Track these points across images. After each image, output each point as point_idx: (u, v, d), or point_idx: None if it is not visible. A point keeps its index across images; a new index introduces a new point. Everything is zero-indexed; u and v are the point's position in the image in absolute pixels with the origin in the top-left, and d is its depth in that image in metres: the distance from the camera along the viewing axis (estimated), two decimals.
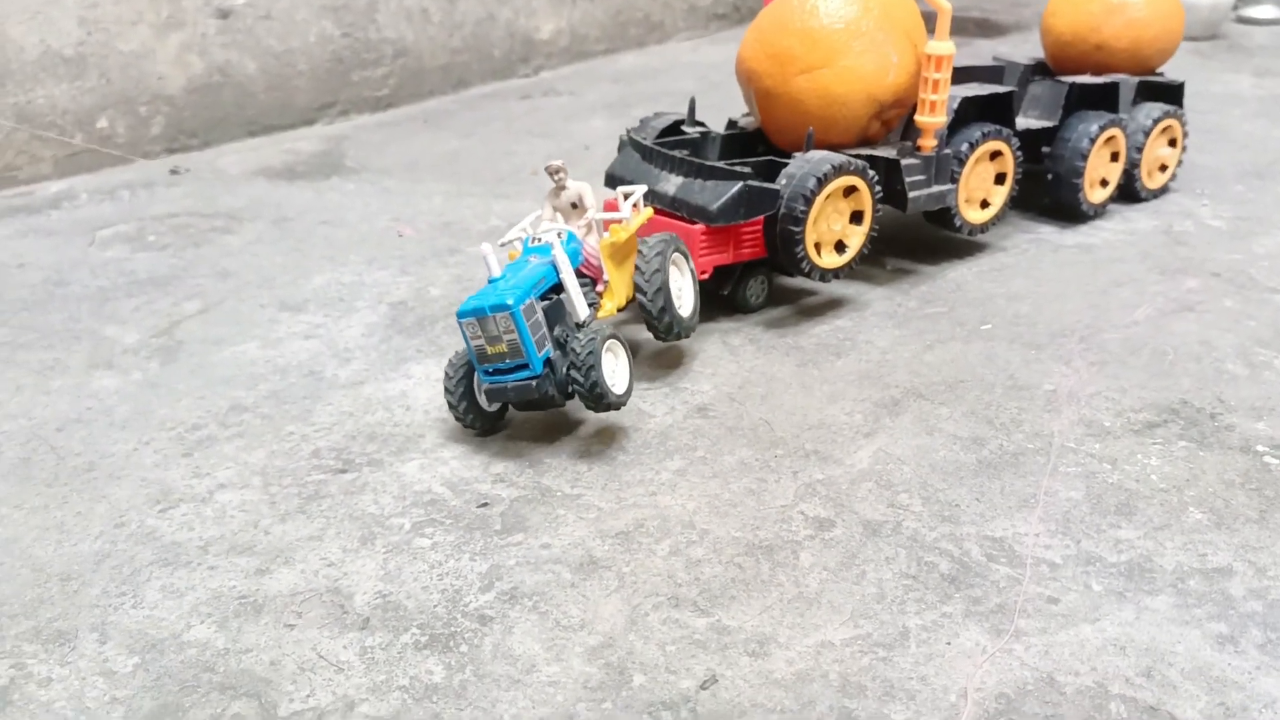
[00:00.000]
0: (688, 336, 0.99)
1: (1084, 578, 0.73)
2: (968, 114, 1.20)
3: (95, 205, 1.51)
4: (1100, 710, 0.63)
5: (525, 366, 0.86)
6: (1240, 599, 0.71)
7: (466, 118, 1.97)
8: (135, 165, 1.68)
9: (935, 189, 1.17)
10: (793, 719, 0.62)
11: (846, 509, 0.81)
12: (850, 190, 1.09)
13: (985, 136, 1.19)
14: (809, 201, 1.04)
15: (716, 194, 1.04)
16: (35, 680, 0.66)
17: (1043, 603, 0.71)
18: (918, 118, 1.14)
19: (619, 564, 0.76)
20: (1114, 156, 1.36)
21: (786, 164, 1.08)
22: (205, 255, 1.32)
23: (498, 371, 0.87)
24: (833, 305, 1.16)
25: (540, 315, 0.86)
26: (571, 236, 0.95)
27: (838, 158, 1.07)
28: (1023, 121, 1.33)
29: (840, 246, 1.11)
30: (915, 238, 1.33)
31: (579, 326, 0.89)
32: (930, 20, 1.15)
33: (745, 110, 1.28)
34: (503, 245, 0.96)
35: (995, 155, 1.22)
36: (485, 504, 0.83)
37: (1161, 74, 1.47)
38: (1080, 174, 1.32)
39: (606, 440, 0.91)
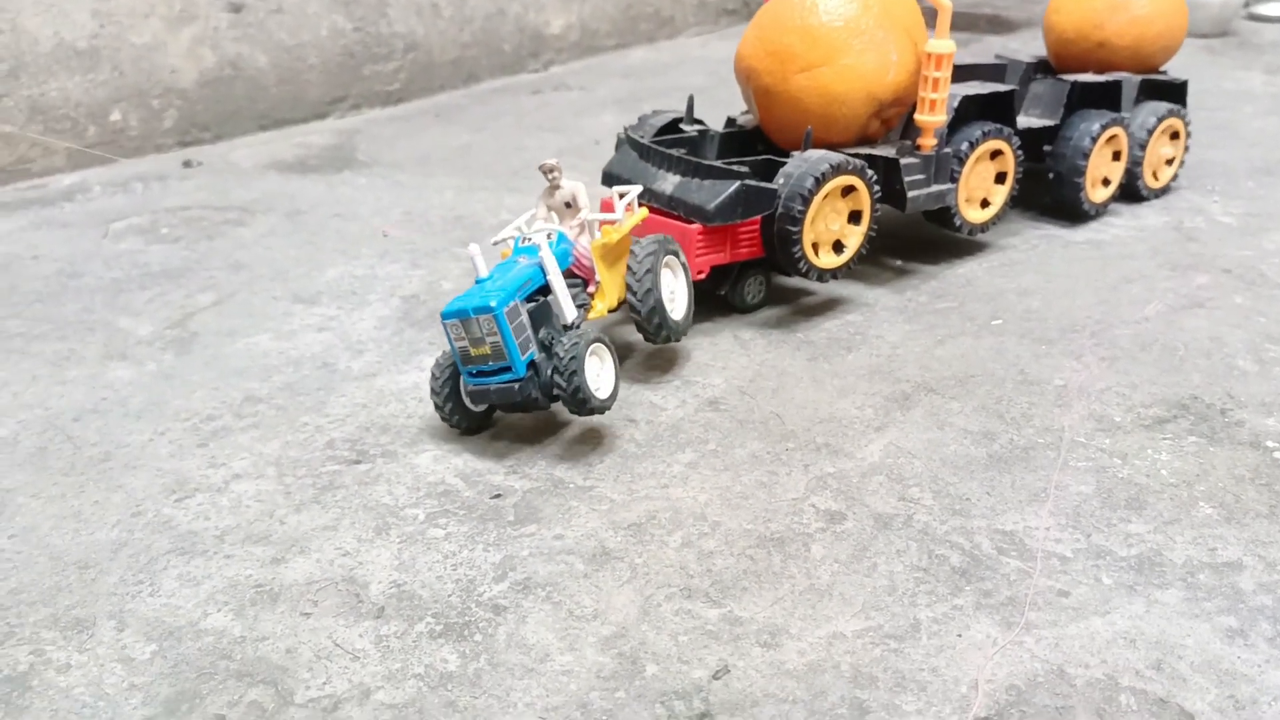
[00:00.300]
0: (679, 339, 0.99)
1: (1094, 571, 0.74)
2: (968, 113, 1.19)
3: (108, 198, 1.52)
4: (1110, 702, 0.63)
5: (508, 369, 0.85)
6: (1250, 593, 0.71)
7: (477, 112, 1.98)
8: (148, 158, 1.69)
9: (935, 188, 1.17)
10: (805, 709, 0.63)
11: (857, 502, 0.81)
12: (849, 190, 1.08)
13: (986, 135, 1.18)
14: (806, 201, 1.04)
15: (714, 193, 1.04)
16: (54, 666, 0.67)
17: (1053, 596, 0.71)
18: (917, 116, 1.14)
19: (631, 555, 0.76)
20: (1116, 155, 1.36)
21: (784, 163, 1.08)
22: (218, 248, 1.33)
23: (481, 373, 0.86)
24: (843, 300, 1.16)
25: (525, 318, 0.86)
26: (562, 237, 0.94)
27: (836, 157, 1.06)
28: (1024, 120, 1.32)
29: (838, 246, 1.11)
30: (925, 233, 1.34)
31: (566, 328, 0.89)
32: (931, 18, 1.15)
33: (745, 108, 1.28)
34: (495, 244, 0.96)
35: (996, 154, 1.21)
36: (498, 495, 0.83)
37: (1164, 72, 1.46)
38: (1082, 173, 1.31)
39: (618, 433, 0.91)
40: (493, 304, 0.83)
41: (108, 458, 0.89)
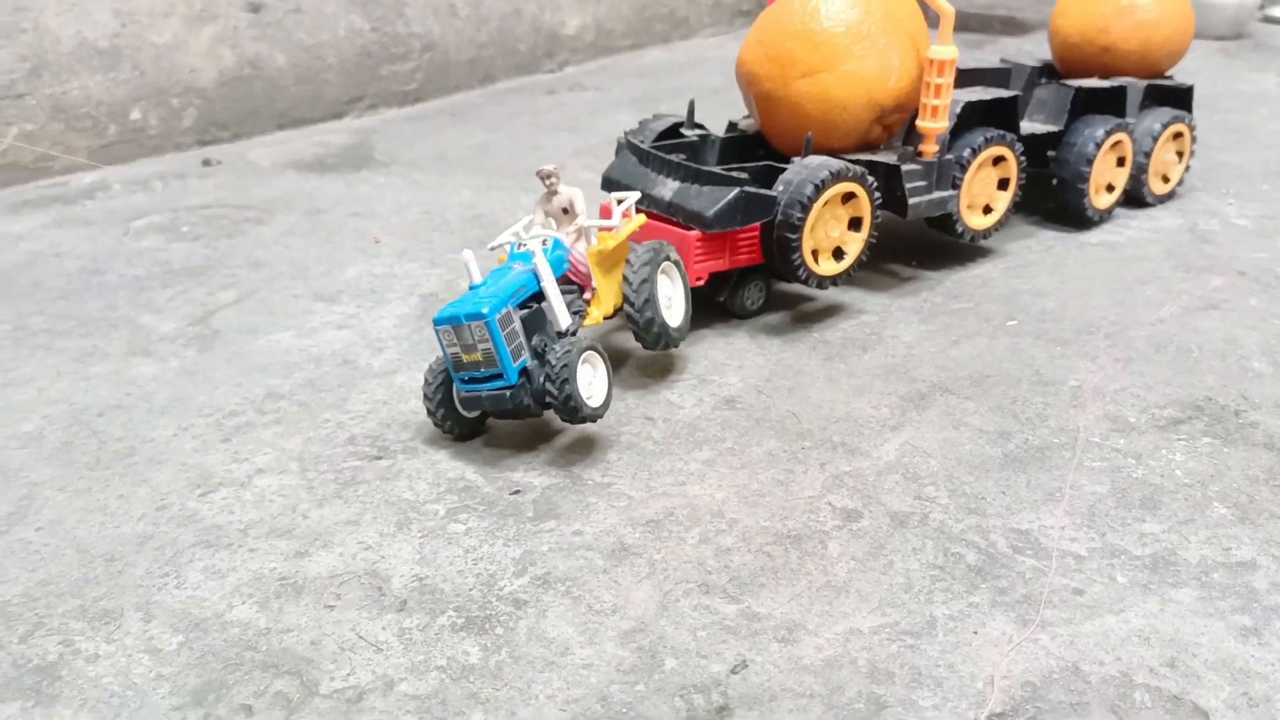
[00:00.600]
0: (676, 346, 0.98)
1: (1109, 570, 0.74)
2: (971, 118, 1.18)
3: (129, 196, 1.54)
4: (1125, 699, 0.64)
5: (500, 376, 0.85)
6: (1264, 592, 0.72)
7: (493, 112, 1.99)
8: (167, 156, 1.71)
9: (936, 195, 1.16)
10: (822, 704, 0.64)
11: (874, 500, 0.82)
12: (849, 196, 1.08)
13: (988, 142, 1.17)
14: (806, 208, 1.03)
15: (713, 200, 1.03)
16: (83, 657, 0.68)
17: (1068, 594, 0.72)
18: (919, 123, 1.13)
19: (650, 551, 0.77)
20: (1120, 161, 1.35)
21: (785, 169, 1.07)
22: (239, 246, 1.34)
23: (473, 380, 0.86)
24: (859, 300, 1.17)
25: (517, 324, 0.86)
26: (557, 244, 0.94)
27: (836, 164, 1.05)
28: (1028, 125, 1.31)
29: (838, 253, 1.10)
30: (939, 234, 1.34)
31: (560, 335, 0.89)
32: (932, 20, 1.15)
33: (746, 112, 1.27)
34: (492, 249, 0.96)
35: (999, 160, 1.20)
36: (518, 491, 0.84)
37: (1171, 77, 1.45)
38: (1085, 179, 1.30)
39: (636, 431, 0.92)
40: (485, 310, 0.83)
41: (132, 452, 0.90)
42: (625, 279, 0.94)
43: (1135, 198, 1.40)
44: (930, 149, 1.14)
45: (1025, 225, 1.36)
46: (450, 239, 1.35)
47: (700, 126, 1.23)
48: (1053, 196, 1.35)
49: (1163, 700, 0.64)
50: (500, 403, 0.85)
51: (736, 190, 1.03)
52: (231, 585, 0.74)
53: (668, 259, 0.97)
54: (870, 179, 1.08)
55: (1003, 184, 1.23)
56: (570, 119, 1.94)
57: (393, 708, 0.64)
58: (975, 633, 0.69)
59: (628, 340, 1.07)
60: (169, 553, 0.77)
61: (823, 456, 0.88)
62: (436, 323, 0.85)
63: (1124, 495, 0.83)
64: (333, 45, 1.89)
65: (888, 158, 1.15)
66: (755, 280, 1.12)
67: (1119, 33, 1.40)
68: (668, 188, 1.07)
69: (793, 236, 1.04)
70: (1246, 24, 2.51)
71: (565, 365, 0.83)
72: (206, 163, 1.67)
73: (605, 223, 0.96)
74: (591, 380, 0.87)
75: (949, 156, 1.16)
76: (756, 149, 1.23)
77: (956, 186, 1.17)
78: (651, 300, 0.93)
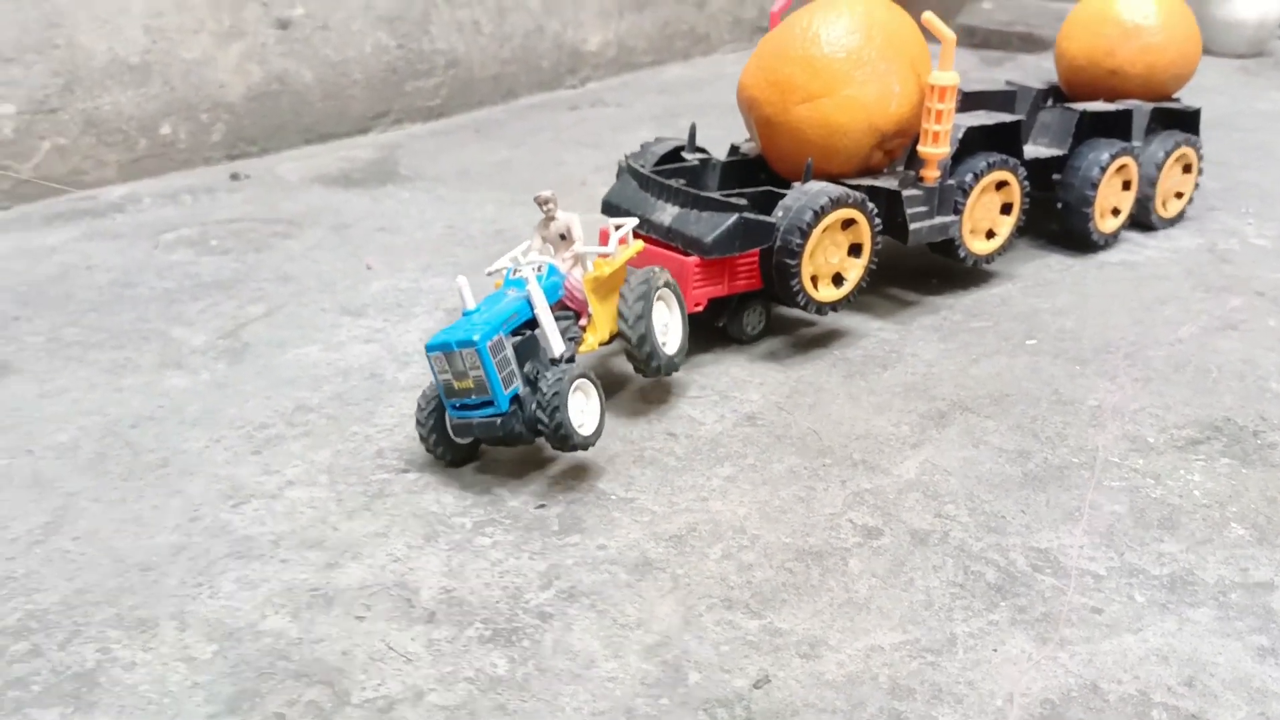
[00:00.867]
0: (672, 373, 0.98)
1: (1127, 589, 0.75)
2: (973, 143, 1.18)
3: (158, 209, 1.56)
4: (1143, 717, 0.65)
5: (491, 403, 0.85)
6: None
7: (516, 127, 2.01)
8: (196, 170, 1.73)
9: (938, 220, 1.15)
10: (844, 719, 0.65)
11: (894, 518, 0.83)
12: (849, 223, 1.07)
13: (991, 167, 1.16)
14: (805, 235, 1.03)
15: (712, 226, 1.02)
16: (120, 664, 0.70)
17: (1087, 612, 0.73)
18: (920, 148, 1.13)
19: (673, 566, 0.78)
20: (1126, 185, 1.34)
21: (785, 194, 1.07)
22: (267, 260, 1.36)
23: (465, 406, 0.86)
24: (878, 317, 1.18)
25: (509, 352, 0.86)
26: (552, 270, 0.93)
27: (835, 190, 1.05)
28: (1032, 149, 1.31)
29: (838, 279, 1.10)
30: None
31: (554, 362, 0.88)
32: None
33: (748, 136, 1.25)
34: (489, 275, 0.96)
35: (1002, 185, 1.20)
36: (543, 505, 0.86)
37: (1178, 99, 1.45)
38: (1090, 203, 1.30)
39: (658, 446, 0.94)
40: (476, 338, 0.83)
41: (165, 464, 0.92)
42: (621, 306, 0.93)
43: (1142, 222, 1.40)
44: (932, 174, 1.14)
45: (1043, 244, 1.37)
46: (474, 254, 1.37)
47: (701, 150, 1.22)
48: (1057, 220, 1.35)
49: (1180, 719, 0.64)
50: (491, 430, 0.85)
51: (735, 216, 1.02)
52: (264, 595, 0.76)
53: (664, 285, 0.97)
54: (870, 205, 1.08)
55: (1006, 208, 1.22)
56: (592, 135, 1.96)
57: (423, 718, 0.65)
58: (995, 650, 0.70)
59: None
60: (202, 563, 0.79)
61: (843, 473, 0.89)
62: (429, 349, 0.85)
63: (1142, 515, 0.83)
64: (359, 61, 1.91)
65: (889, 183, 1.14)
66: (755, 305, 1.11)
67: (1125, 56, 1.39)
68: (667, 213, 1.07)
69: (792, 263, 1.04)
70: (1267, 42, 2.51)
71: (556, 393, 0.84)
72: (234, 177, 1.69)
73: (601, 249, 0.95)
74: (584, 408, 0.87)
75: (951, 182, 1.15)
76: (758, 173, 1.22)
77: (959, 212, 1.16)
78: (647, 327, 0.93)
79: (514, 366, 0.86)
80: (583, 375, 0.87)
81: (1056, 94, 1.50)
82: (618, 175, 1.17)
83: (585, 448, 0.87)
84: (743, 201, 1.04)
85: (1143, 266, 1.31)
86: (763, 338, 1.13)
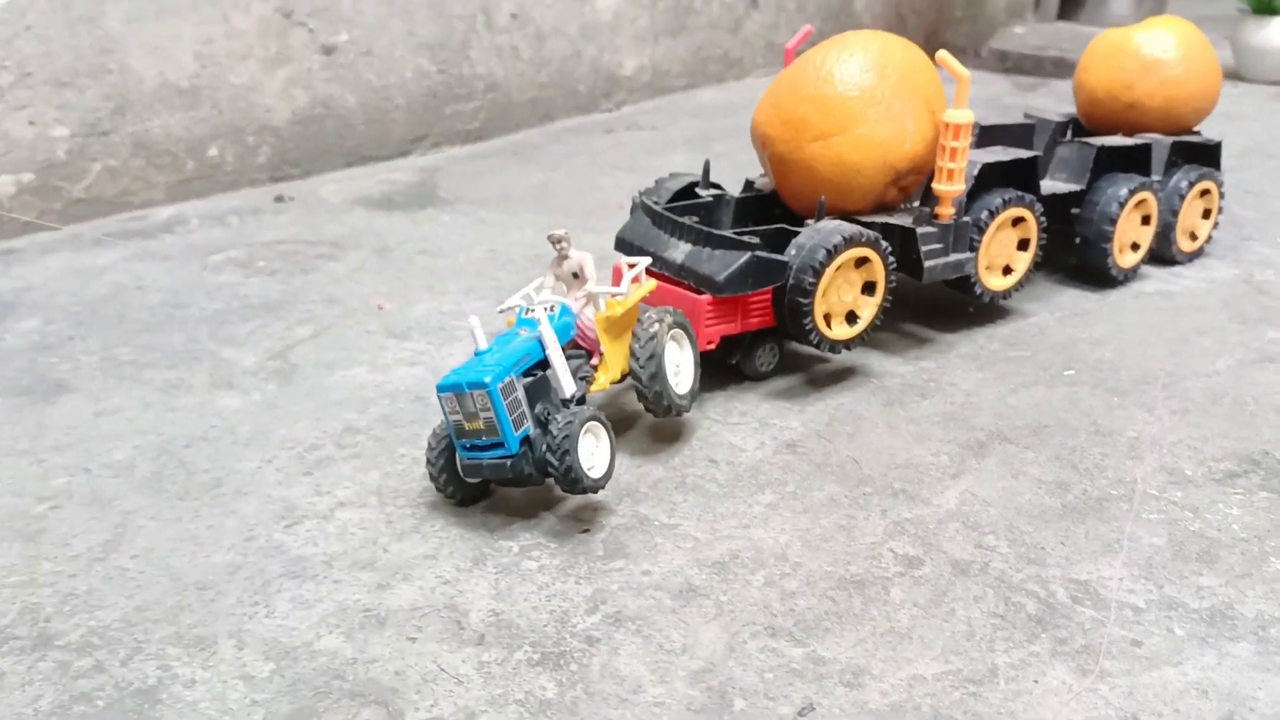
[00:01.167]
0: (684, 413, 0.97)
1: (1166, 622, 0.76)
2: (989, 179, 1.17)
3: (206, 230, 1.59)
4: None
5: (502, 444, 0.85)
6: None
7: (553, 151, 2.04)
8: (242, 191, 1.77)
9: (953, 258, 1.15)
10: None
11: (935, 548, 0.84)
12: (863, 261, 1.07)
13: (1006, 204, 1.16)
14: (818, 273, 1.03)
15: (724, 264, 1.02)
16: (181, 681, 0.72)
17: (1126, 645, 0.74)
18: (935, 185, 1.12)
19: (717, 593, 0.80)
20: (1145, 220, 1.33)
21: (799, 232, 1.07)
22: (313, 282, 1.39)
23: (475, 447, 0.86)
24: (916, 346, 1.19)
25: (520, 393, 0.85)
26: (565, 309, 0.93)
27: (849, 228, 1.05)
28: (1050, 184, 1.30)
29: (852, 317, 1.09)
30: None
31: (565, 403, 0.88)
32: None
33: (763, 171, 1.24)
34: (501, 312, 0.96)
35: (1018, 221, 1.19)
36: (587, 530, 0.88)
37: (1198, 133, 1.44)
38: (1109, 238, 1.29)
39: (700, 473, 0.95)
40: (487, 380, 0.82)
41: (219, 484, 0.94)
42: (633, 344, 0.93)
43: (1164, 256, 1.39)
44: (946, 211, 1.13)
45: (1078, 275, 1.38)
46: (516, 277, 1.39)
47: (716, 186, 1.22)
48: (1076, 255, 1.34)
49: None
50: (501, 471, 0.85)
51: (748, 255, 1.02)
52: (318, 615, 0.78)
53: (676, 325, 0.97)
54: (884, 243, 1.08)
55: (1023, 244, 1.21)
56: (627, 158, 1.98)
57: None
58: (1036, 681, 0.71)
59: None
60: (258, 582, 0.81)
61: (884, 503, 0.90)
62: (440, 390, 0.85)
63: (1181, 548, 0.84)
64: (400, 86, 1.95)
65: (903, 220, 1.14)
66: (768, 343, 1.11)
67: (1144, 89, 1.39)
68: (680, 250, 1.07)
69: (805, 301, 1.04)
70: None
71: (567, 436, 0.83)
72: (279, 199, 1.73)
73: (613, 290, 0.96)
74: (594, 450, 0.87)
75: (966, 219, 1.15)
76: (773, 208, 1.22)
77: (974, 248, 1.16)
78: (657, 367, 0.93)
79: (525, 408, 0.86)
80: (593, 418, 0.87)
81: (1076, 126, 1.49)
82: (631, 211, 1.17)
83: (595, 490, 0.86)
84: (755, 240, 1.04)
85: (1179, 297, 1.32)
86: (799, 367, 1.15)
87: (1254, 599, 0.78)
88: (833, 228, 1.05)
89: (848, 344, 1.10)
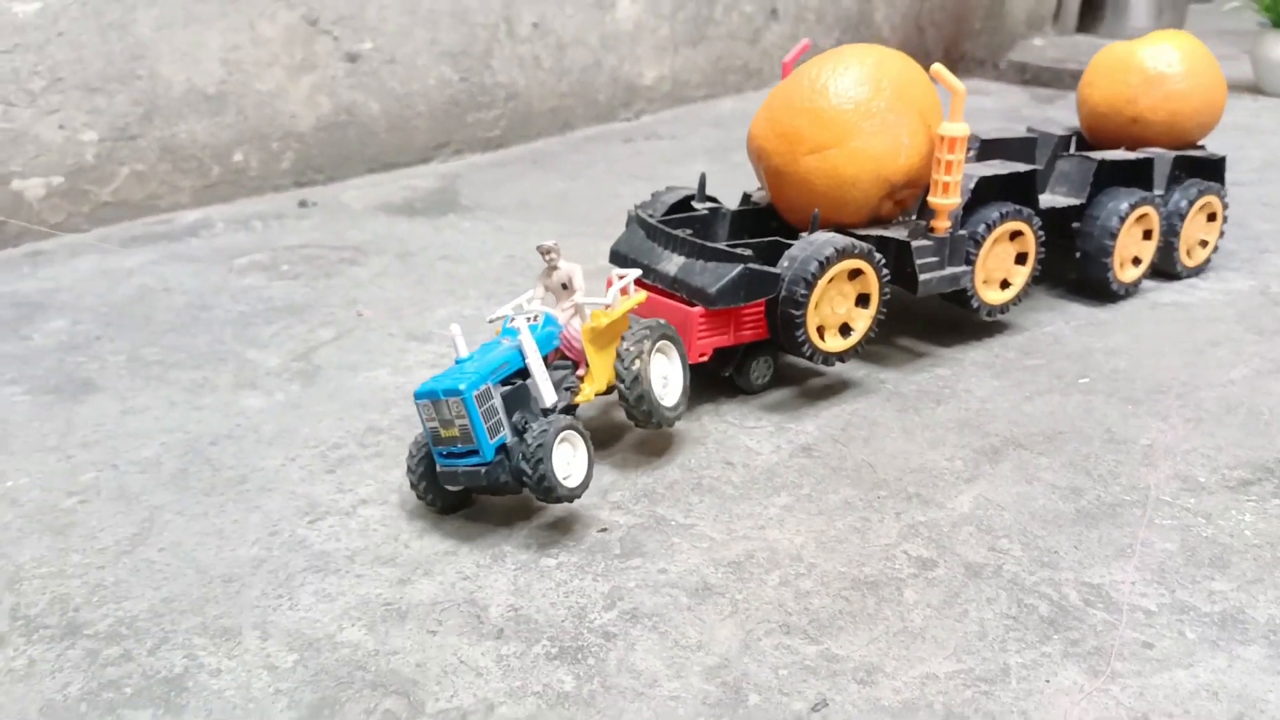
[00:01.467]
0: (670, 426, 0.97)
1: (1178, 625, 0.77)
2: (987, 193, 1.16)
3: (230, 234, 1.62)
4: None
5: (477, 452, 0.85)
6: None
7: (572, 159, 2.06)
8: (266, 196, 1.79)
9: (949, 271, 1.14)
10: None
11: (948, 550, 0.85)
12: (856, 273, 1.07)
13: (1004, 217, 1.15)
14: (810, 285, 1.03)
15: (716, 276, 1.02)
16: (207, 670, 0.73)
17: (1138, 647, 0.75)
18: (930, 199, 1.11)
19: (732, 591, 0.81)
20: (1147, 234, 1.32)
21: (791, 245, 1.06)
22: (335, 285, 1.41)
23: (451, 455, 0.86)
24: (932, 354, 1.20)
25: (497, 401, 0.85)
26: (549, 319, 0.94)
27: (842, 240, 1.05)
28: (1049, 198, 1.29)
29: (845, 329, 1.09)
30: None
31: (546, 413, 0.88)
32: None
33: (759, 184, 1.24)
34: (490, 322, 0.96)
35: (1016, 235, 1.18)
36: (604, 529, 0.89)
37: (1203, 147, 1.44)
38: (1109, 253, 1.28)
39: (716, 474, 0.96)
40: (462, 387, 0.83)
41: (244, 480, 0.96)
42: (619, 355, 0.93)
43: (1166, 271, 1.38)
44: (942, 225, 1.13)
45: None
46: (534, 283, 1.41)
47: (711, 199, 1.22)
48: (1076, 269, 1.34)
49: None
50: (476, 479, 0.85)
51: (740, 267, 1.02)
52: (341, 608, 0.79)
53: (665, 337, 0.96)
54: (878, 256, 1.07)
55: (1021, 258, 1.21)
56: (646, 167, 2.00)
57: None
58: (1047, 681, 0.72)
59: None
60: (282, 576, 0.83)
61: (898, 506, 0.91)
62: (416, 397, 0.85)
63: (1193, 553, 0.85)
64: (423, 94, 1.97)
65: (898, 234, 1.13)
66: (762, 355, 1.11)
67: (1147, 104, 1.38)
68: (673, 263, 1.07)
69: (797, 313, 1.03)
70: None
71: (541, 444, 0.83)
72: (303, 204, 1.75)
73: (599, 300, 0.95)
74: (570, 460, 0.87)
75: (962, 232, 1.14)
76: (770, 221, 1.21)
77: (971, 262, 1.15)
78: (641, 379, 0.92)
79: (501, 416, 0.86)
80: (570, 426, 0.86)
81: (1079, 140, 1.48)
82: (627, 224, 1.17)
83: (570, 500, 0.86)
84: (748, 252, 1.04)
85: (1195, 308, 1.32)
86: (813, 374, 1.16)
87: (1265, 604, 0.79)
88: (825, 240, 1.05)
89: (841, 356, 1.09)
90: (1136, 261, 1.34)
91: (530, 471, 0.84)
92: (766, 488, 0.95)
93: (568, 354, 0.97)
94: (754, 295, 1.03)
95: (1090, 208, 1.30)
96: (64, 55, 1.56)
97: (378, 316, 1.31)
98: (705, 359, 1.06)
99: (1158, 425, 1.04)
